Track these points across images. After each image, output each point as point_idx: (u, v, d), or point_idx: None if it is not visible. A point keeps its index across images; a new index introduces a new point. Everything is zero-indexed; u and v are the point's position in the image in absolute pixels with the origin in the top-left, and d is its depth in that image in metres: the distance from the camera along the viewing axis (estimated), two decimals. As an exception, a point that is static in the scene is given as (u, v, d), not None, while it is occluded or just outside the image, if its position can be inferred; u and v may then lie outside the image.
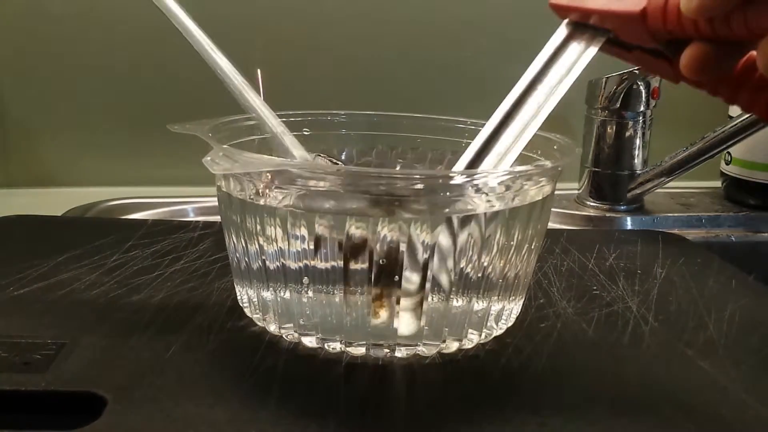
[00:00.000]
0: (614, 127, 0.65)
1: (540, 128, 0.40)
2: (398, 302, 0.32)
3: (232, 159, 0.31)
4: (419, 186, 0.31)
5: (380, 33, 0.74)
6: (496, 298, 0.35)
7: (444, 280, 0.32)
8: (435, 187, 0.32)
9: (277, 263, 0.34)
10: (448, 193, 0.32)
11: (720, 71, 0.28)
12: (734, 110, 0.67)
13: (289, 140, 0.39)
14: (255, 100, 0.38)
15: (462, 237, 0.32)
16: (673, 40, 0.29)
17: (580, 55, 0.32)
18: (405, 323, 0.33)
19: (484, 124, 0.32)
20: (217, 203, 0.38)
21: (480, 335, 0.35)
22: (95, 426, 0.28)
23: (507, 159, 0.32)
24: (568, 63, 0.32)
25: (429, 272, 0.32)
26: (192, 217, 0.67)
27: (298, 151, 0.39)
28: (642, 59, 0.31)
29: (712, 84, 0.30)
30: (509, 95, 0.32)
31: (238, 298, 0.38)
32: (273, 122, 0.39)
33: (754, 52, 0.29)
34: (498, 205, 0.33)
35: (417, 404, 0.31)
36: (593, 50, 0.32)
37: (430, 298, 0.33)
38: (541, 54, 0.32)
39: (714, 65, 0.28)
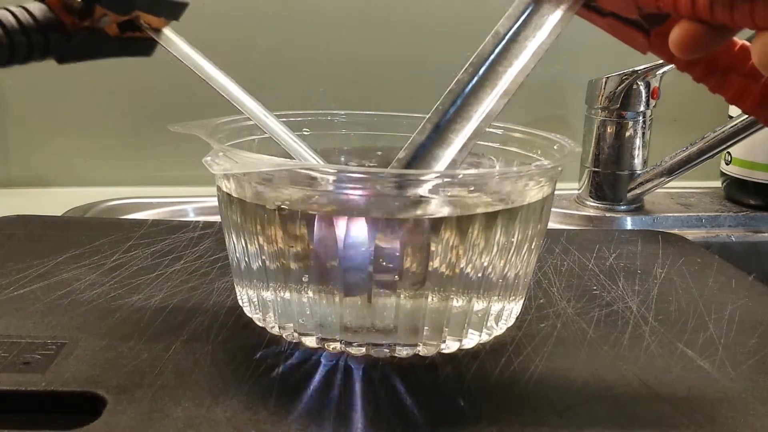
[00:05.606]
0: (614, 127, 0.65)
1: (540, 128, 0.40)
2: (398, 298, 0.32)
3: (232, 159, 0.32)
4: (414, 184, 0.31)
5: (380, 33, 0.74)
6: (496, 298, 0.35)
7: (445, 278, 0.32)
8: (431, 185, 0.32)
9: (277, 263, 0.34)
10: (449, 191, 0.32)
11: (709, 51, 0.27)
12: (734, 110, 0.67)
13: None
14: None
15: (462, 237, 0.32)
16: (654, 13, 0.28)
17: (557, 20, 0.30)
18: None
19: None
20: (217, 203, 0.38)
21: (480, 335, 0.35)
22: (95, 426, 0.28)
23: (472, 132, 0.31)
24: (545, 26, 0.30)
25: (429, 271, 0.32)
26: (192, 217, 0.67)
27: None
28: (614, 26, 0.30)
29: (698, 70, 0.30)
30: (478, 54, 0.31)
31: (238, 298, 0.38)
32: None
33: (746, 43, 0.29)
34: (498, 205, 0.33)
35: (417, 404, 0.31)
36: (570, 15, 0.30)
37: (430, 298, 0.33)
38: (512, 11, 0.31)
39: (704, 45, 0.27)
